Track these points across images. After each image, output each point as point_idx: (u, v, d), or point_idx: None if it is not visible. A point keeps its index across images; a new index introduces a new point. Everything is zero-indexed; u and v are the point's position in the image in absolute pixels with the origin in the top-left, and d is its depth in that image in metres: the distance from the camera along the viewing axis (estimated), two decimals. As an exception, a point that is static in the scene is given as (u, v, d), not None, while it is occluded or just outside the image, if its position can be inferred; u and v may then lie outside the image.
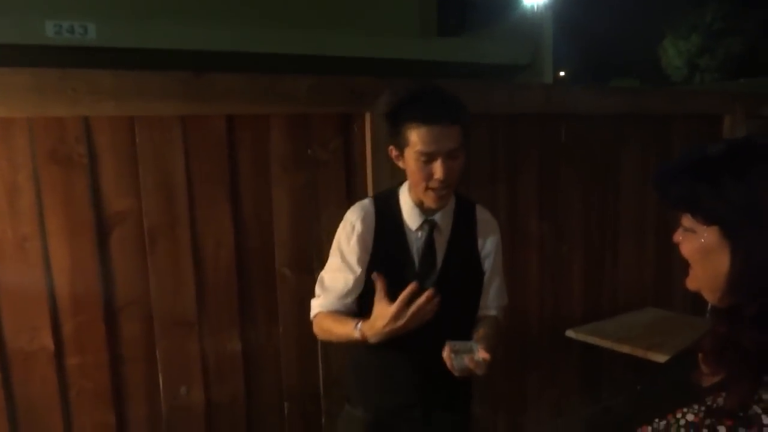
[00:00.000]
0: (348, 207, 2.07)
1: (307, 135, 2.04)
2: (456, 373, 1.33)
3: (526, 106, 2.49)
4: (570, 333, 2.63)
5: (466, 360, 1.31)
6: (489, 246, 1.57)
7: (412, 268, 1.48)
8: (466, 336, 1.46)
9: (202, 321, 1.94)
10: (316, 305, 1.56)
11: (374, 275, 1.37)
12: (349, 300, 1.53)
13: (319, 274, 1.97)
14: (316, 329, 1.57)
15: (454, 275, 1.51)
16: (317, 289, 1.58)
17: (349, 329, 1.43)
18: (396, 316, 1.31)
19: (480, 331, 1.49)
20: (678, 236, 0.85)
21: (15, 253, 1.67)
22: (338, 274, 1.52)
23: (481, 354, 1.32)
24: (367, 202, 1.54)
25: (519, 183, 2.58)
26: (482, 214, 1.59)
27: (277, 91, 1.91)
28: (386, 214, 1.50)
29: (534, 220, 2.65)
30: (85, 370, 1.79)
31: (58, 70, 1.60)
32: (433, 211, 1.48)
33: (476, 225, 1.57)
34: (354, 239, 1.49)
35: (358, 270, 1.50)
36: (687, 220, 0.82)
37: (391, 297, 1.39)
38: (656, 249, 3.05)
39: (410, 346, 1.45)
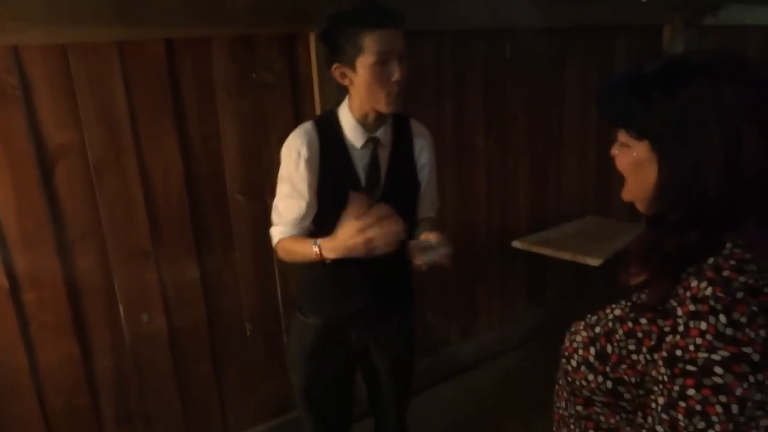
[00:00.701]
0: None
1: (250, 58, 1.99)
2: (424, 268, 1.42)
3: (472, 21, 2.47)
4: (516, 243, 2.76)
5: (434, 255, 1.41)
6: (425, 157, 1.63)
7: (358, 186, 1.52)
8: (408, 240, 1.51)
9: (158, 250, 1.95)
10: (277, 233, 1.59)
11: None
12: (306, 223, 1.56)
13: (271, 199, 2.00)
14: (280, 254, 1.61)
15: (396, 188, 1.57)
16: (274, 218, 1.60)
17: (308, 247, 1.47)
18: (360, 230, 1.34)
19: (429, 232, 1.52)
20: (614, 150, 0.90)
21: (-45, 191, 1.62)
22: (291, 201, 1.54)
23: (445, 248, 1.42)
24: (309, 126, 1.53)
25: (465, 99, 2.61)
26: (417, 127, 1.64)
27: (216, 11, 1.84)
28: (329, 136, 1.52)
29: (480, 136, 2.70)
30: (43, 305, 1.80)
31: (-23, -5, 1.50)
32: (375, 128, 1.52)
33: (413, 138, 1.62)
34: (302, 165, 1.49)
35: (308, 195, 1.52)
36: (622, 135, 0.87)
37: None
38: (597, 161, 3.18)
39: (358, 259, 1.48)
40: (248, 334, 2.22)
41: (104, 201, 1.83)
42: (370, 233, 1.34)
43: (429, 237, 1.45)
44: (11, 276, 1.73)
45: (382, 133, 1.53)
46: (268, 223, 1.63)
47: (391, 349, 1.72)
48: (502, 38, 2.66)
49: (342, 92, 2.11)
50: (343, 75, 1.47)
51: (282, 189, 1.56)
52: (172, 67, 1.86)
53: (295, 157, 1.50)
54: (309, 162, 1.49)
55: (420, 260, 1.42)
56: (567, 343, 0.90)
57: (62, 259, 1.80)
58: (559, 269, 3.03)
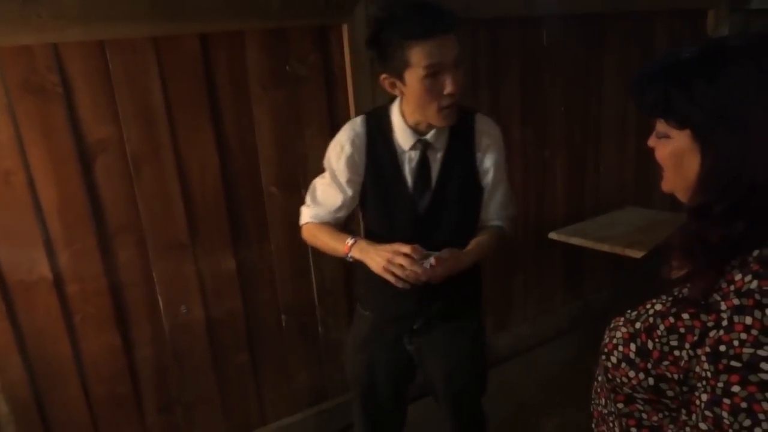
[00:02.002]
0: (330, 122, 2.12)
1: (284, 50, 2.00)
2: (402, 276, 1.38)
3: (506, 8, 2.42)
4: (553, 235, 2.72)
5: (416, 267, 1.36)
6: (488, 160, 1.50)
7: (405, 188, 1.48)
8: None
9: (195, 243, 1.99)
10: (307, 215, 1.59)
11: (413, 247, 1.37)
12: (340, 215, 1.56)
13: (306, 191, 2.00)
14: (305, 234, 1.61)
15: (450, 192, 1.48)
16: (308, 198, 1.60)
17: (340, 240, 1.48)
18: (389, 261, 1.35)
19: (474, 239, 1.51)
20: (652, 141, 0.86)
21: (0, 187, 1.67)
22: (329, 189, 1.54)
23: (432, 260, 1.36)
24: (358, 122, 1.50)
25: (501, 89, 2.57)
26: (482, 125, 1.50)
27: (249, 5, 1.85)
28: (377, 134, 1.47)
29: (517, 126, 2.65)
30: (86, 297, 1.85)
31: (19, -4, 1.53)
32: (427, 131, 1.44)
33: (474, 138, 1.49)
34: (342, 161, 1.48)
35: (348, 191, 1.51)
36: (661, 125, 0.83)
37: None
38: (637, 149, 3.09)
39: None
40: (284, 325, 2.24)
41: (142, 195, 1.86)
42: (394, 269, 1.35)
43: (432, 253, 1.39)
44: (55, 269, 1.79)
45: (434, 135, 1.44)
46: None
47: (445, 358, 1.63)
48: (538, 26, 2.60)
49: (376, 83, 2.12)
50: (393, 85, 1.40)
51: (324, 175, 1.56)
52: (206, 62, 1.88)
53: (338, 151, 1.49)
54: (351, 159, 1.48)
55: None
56: (606, 340, 0.88)
57: (103, 253, 1.85)
58: (598, 261, 2.97)
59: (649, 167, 3.11)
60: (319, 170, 2.11)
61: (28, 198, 1.71)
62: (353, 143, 1.47)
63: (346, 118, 2.12)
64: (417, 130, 1.44)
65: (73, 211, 1.78)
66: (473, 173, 1.51)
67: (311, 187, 1.61)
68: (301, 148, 2.10)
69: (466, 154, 1.49)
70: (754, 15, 3.16)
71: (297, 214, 1.66)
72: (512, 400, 2.63)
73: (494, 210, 1.57)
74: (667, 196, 0.91)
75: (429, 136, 1.44)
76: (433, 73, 1.30)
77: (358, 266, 1.51)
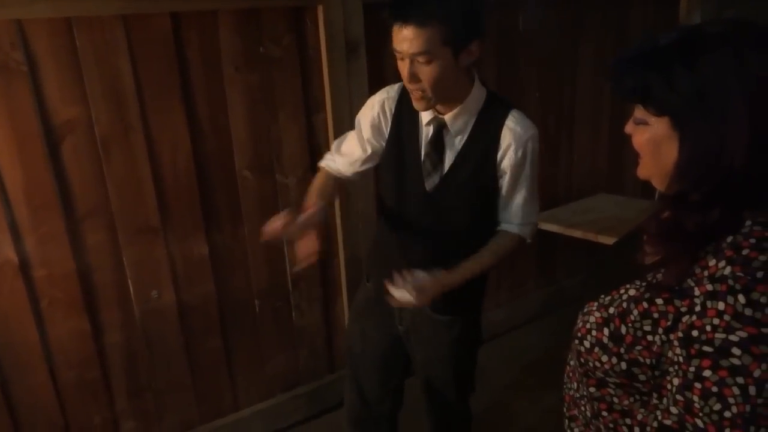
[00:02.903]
0: (305, 105, 2.11)
1: (258, 31, 1.96)
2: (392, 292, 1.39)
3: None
4: (527, 220, 2.73)
5: (400, 293, 1.37)
6: (507, 161, 1.42)
7: (417, 162, 1.48)
8: (472, 242, 1.50)
9: (167, 226, 1.95)
10: (328, 158, 1.65)
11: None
12: (354, 169, 1.61)
13: (280, 176, 1.98)
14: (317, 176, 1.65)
15: (460, 178, 1.44)
16: (334, 145, 1.65)
17: (310, 200, 1.51)
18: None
19: (480, 251, 1.49)
20: (629, 128, 0.86)
21: (-38, 168, 1.61)
22: (353, 141, 1.59)
23: (412, 292, 1.36)
24: (396, 87, 1.52)
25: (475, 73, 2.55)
26: (512, 122, 1.41)
27: (222, -16, 1.81)
28: (407, 103, 1.46)
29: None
30: (53, 281, 1.81)
31: (-21, -33, 1.47)
32: (446, 109, 1.42)
33: (500, 133, 1.41)
34: (368, 119, 1.53)
35: (368, 149, 1.56)
36: (639, 112, 0.83)
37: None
38: (610, 136, 3.12)
39: (408, 237, 1.55)
40: (257, 310, 2.22)
41: (112, 178, 1.82)
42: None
43: (418, 276, 1.39)
44: (21, 253, 1.74)
45: (453, 117, 1.41)
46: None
47: (426, 344, 1.63)
48: (514, 9, 2.60)
49: (352, 66, 2.11)
50: None
51: (355, 129, 1.60)
52: (178, 42, 1.83)
53: (368, 109, 1.55)
54: (376, 120, 1.52)
55: (392, 292, 1.39)
56: (580, 324, 0.89)
57: (71, 236, 1.80)
58: (570, 247, 3.00)
59: (622, 154, 3.15)
60: (293, 154, 2.12)
61: (-9, 179, 1.66)
62: (382, 105, 1.51)
63: (321, 101, 2.13)
64: (436, 107, 1.43)
65: (40, 194, 1.73)
66: (489, 168, 1.44)
67: (342, 136, 1.64)
68: (275, 131, 2.07)
69: (487, 147, 1.42)
70: (726, 1, 3.20)
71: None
72: (484, 384, 2.64)
73: (513, 212, 1.50)
74: (638, 183, 0.92)
75: (447, 116, 1.42)
76: (399, 57, 1.33)
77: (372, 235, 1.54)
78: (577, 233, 2.53)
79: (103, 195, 1.82)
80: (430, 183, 1.47)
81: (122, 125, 1.79)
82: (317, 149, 2.15)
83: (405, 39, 1.26)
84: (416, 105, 1.39)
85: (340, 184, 1.66)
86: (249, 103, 2.00)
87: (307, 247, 1.36)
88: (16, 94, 1.63)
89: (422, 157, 1.47)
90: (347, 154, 1.60)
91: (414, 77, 1.31)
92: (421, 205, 1.50)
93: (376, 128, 1.53)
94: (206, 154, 1.97)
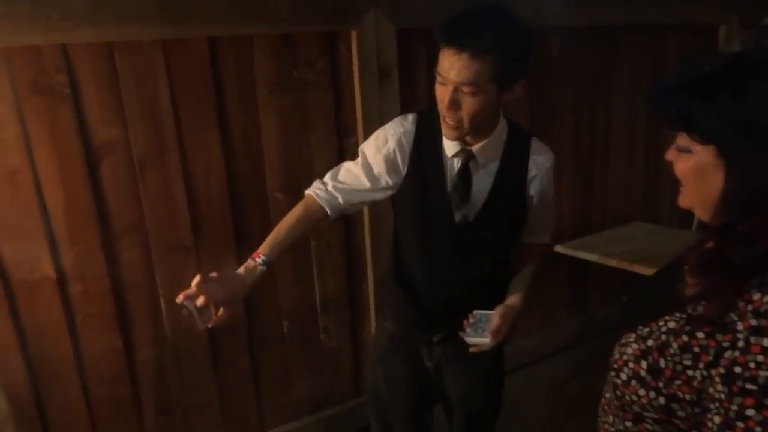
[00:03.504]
0: (337, 128, 2.12)
1: (292, 56, 1.99)
2: (467, 340, 1.35)
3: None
4: (559, 248, 2.69)
5: (476, 337, 1.34)
6: (536, 186, 1.45)
7: (444, 195, 1.42)
8: (496, 271, 1.50)
9: (199, 246, 1.97)
10: (316, 186, 1.48)
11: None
12: (357, 198, 1.46)
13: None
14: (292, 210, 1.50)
15: (493, 212, 1.43)
16: (327, 174, 1.49)
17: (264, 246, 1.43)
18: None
19: (518, 277, 1.51)
20: (671, 155, 0.83)
21: (6, 185, 1.67)
22: (357, 171, 1.46)
23: (488, 336, 1.33)
24: (410, 119, 1.44)
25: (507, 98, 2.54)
26: (536, 152, 1.44)
27: (257, 9, 1.84)
28: (427, 135, 1.41)
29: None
30: (88, 297, 1.84)
31: (29, -5, 1.53)
32: (473, 140, 1.37)
33: (528, 163, 1.43)
34: (382, 154, 1.43)
35: (378, 182, 1.44)
36: (682, 139, 0.80)
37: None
38: (645, 164, 3.07)
39: (435, 270, 1.49)
40: (285, 331, 2.22)
41: (147, 197, 1.85)
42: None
43: (489, 315, 1.37)
44: (58, 268, 1.78)
45: (481, 149, 1.38)
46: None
47: (463, 375, 1.59)
48: (547, 36, 2.59)
49: (384, 90, 2.12)
50: None
51: (357, 160, 1.48)
52: (214, 66, 1.87)
53: (380, 143, 1.44)
54: (391, 156, 1.42)
55: (465, 333, 1.36)
56: (616, 355, 0.86)
57: (107, 253, 1.84)
58: (604, 276, 2.95)
59: (658, 182, 3.09)
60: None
61: (33, 197, 1.71)
62: (399, 141, 1.42)
63: (353, 125, 2.14)
64: (463, 139, 1.38)
65: (78, 212, 1.77)
66: (520, 198, 1.46)
67: (337, 166, 1.50)
68: (307, 154, 2.09)
69: (517, 177, 1.44)
70: (765, 31, 3.15)
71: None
72: (513, 415, 2.58)
73: (535, 230, 1.54)
74: (675, 211, 0.89)
75: (475, 147, 1.38)
76: (440, 82, 1.27)
77: (382, 273, 1.47)
78: (612, 262, 2.47)
79: (138, 213, 1.86)
80: (459, 215, 1.43)
81: (159, 146, 1.83)
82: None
83: (454, 66, 1.22)
84: (447, 133, 1.34)
85: (314, 222, 1.49)
86: (282, 126, 2.03)
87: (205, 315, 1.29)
88: (59, 115, 1.69)
89: (449, 189, 1.42)
90: (350, 183, 1.46)
91: (454, 105, 1.26)
92: (449, 237, 1.45)
93: (390, 163, 1.43)
94: (239, 175, 2.00)
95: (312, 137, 2.09)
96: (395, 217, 1.56)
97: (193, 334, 2.03)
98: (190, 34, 1.80)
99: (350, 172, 1.47)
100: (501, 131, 1.41)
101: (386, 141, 1.43)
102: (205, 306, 1.27)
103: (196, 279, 1.25)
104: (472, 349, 1.37)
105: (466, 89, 1.23)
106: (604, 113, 2.89)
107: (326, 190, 1.46)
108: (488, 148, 1.40)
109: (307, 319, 2.25)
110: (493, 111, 1.34)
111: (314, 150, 2.10)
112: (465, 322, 1.37)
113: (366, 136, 2.10)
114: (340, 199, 1.45)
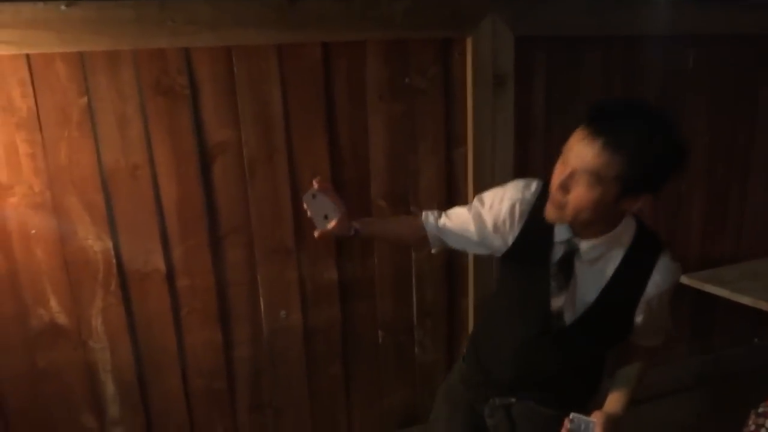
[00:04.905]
0: (446, 138, 2.07)
1: (404, 62, 1.95)
2: None
3: (647, 26, 2.21)
4: (684, 279, 2.44)
5: None
6: (651, 305, 1.28)
7: (542, 281, 1.31)
8: (589, 364, 1.42)
9: (300, 249, 1.99)
10: (429, 212, 1.49)
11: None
12: (458, 243, 1.44)
13: (415, 207, 1.94)
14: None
15: (596, 314, 1.29)
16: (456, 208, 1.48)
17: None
18: None
19: (616, 392, 1.37)
20: None
21: (128, 180, 1.77)
22: (466, 218, 1.42)
23: None
24: (533, 188, 1.34)
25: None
26: (661, 274, 1.26)
27: (372, 15, 1.82)
28: (541, 210, 1.27)
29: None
30: (194, 292, 1.91)
31: (157, 1, 1.61)
32: (583, 233, 1.25)
33: (647, 282, 1.26)
34: (493, 214, 1.36)
35: (483, 236, 1.38)
36: None
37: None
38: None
39: (521, 346, 1.38)
40: (380, 341, 2.18)
41: (255, 198, 1.89)
42: None
43: (589, 423, 1.23)
44: (168, 262, 1.86)
45: (589, 246, 1.25)
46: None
47: None
48: (683, 46, 2.36)
49: (498, 100, 2.03)
50: None
51: (473, 204, 1.43)
52: (326, 70, 1.87)
53: (495, 202, 1.37)
54: (501, 219, 1.35)
55: None
56: (752, 426, 0.72)
57: (213, 251, 1.90)
58: (734, 313, 2.64)
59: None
60: (429, 187, 2.07)
61: (150, 193, 1.79)
62: (513, 206, 1.33)
63: (463, 136, 2.07)
64: (574, 228, 1.26)
65: (190, 209, 1.84)
66: (629, 310, 1.30)
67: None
68: (413, 163, 2.04)
69: (631, 291, 1.28)
70: None
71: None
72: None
73: (646, 333, 1.35)
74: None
75: (583, 243, 1.26)
76: (562, 160, 1.17)
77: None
78: (746, 300, 2.20)
79: (245, 214, 1.90)
80: (556, 303, 1.30)
81: (268, 149, 1.87)
82: (455, 184, 2.09)
83: (582, 151, 1.11)
84: (548, 212, 1.22)
85: (411, 234, 1.50)
86: (390, 133, 2.00)
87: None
88: (178, 115, 1.76)
89: (550, 274, 1.30)
90: (459, 224, 1.42)
91: (564, 189, 1.15)
92: (541, 323, 1.33)
93: (499, 224, 1.35)
94: (344, 181, 1.99)
95: (419, 146, 2.03)
96: (499, 271, 1.49)
97: (289, 336, 2.05)
98: (305, 39, 1.81)
99: (460, 217, 1.43)
100: (622, 234, 1.26)
101: (501, 200, 1.36)
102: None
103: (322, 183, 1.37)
104: None
105: (583, 177, 1.12)
106: (745, 133, 2.59)
107: (437, 219, 1.46)
108: (598, 249, 1.26)
109: (403, 332, 2.20)
110: (606, 212, 1.18)
111: (421, 159, 2.05)
112: (563, 429, 1.24)
113: (476, 147, 2.05)
114: (440, 230, 1.45)
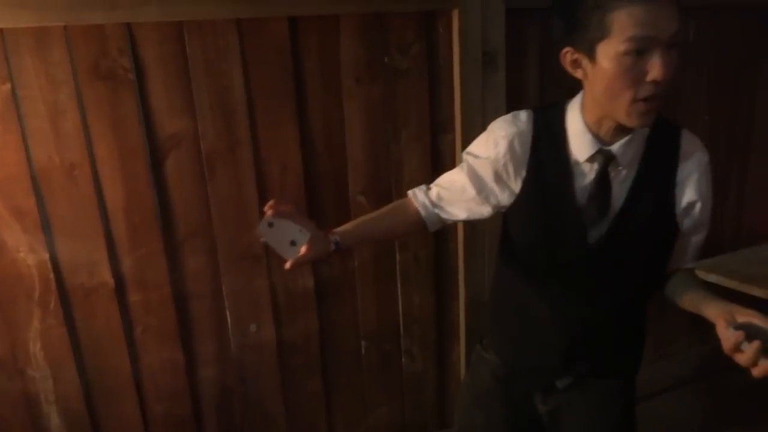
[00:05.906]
0: (431, 123, 1.85)
1: (383, 39, 1.74)
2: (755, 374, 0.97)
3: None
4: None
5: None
6: (691, 195, 1.15)
7: (573, 211, 1.15)
8: (635, 305, 1.26)
9: (270, 254, 1.76)
10: (419, 188, 1.32)
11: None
12: (448, 213, 1.28)
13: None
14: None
15: (635, 225, 1.14)
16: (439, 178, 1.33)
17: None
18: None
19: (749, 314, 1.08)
20: None
21: (64, 181, 1.52)
22: (461, 178, 1.25)
23: None
24: (523, 118, 1.17)
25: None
26: (689, 145, 1.15)
27: (346, -15, 1.60)
28: (546, 137, 1.15)
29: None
30: (149, 307, 1.68)
31: (89, -34, 1.36)
32: (612, 139, 1.11)
33: (678, 162, 1.14)
34: (490, 161, 1.18)
35: (473, 192, 1.22)
36: None
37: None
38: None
39: (562, 301, 1.21)
40: (363, 352, 1.99)
41: (216, 198, 1.67)
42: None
43: (752, 320, 1.01)
44: (117, 274, 1.62)
45: (622, 148, 1.10)
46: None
47: (591, 424, 1.30)
48: (684, 16, 2.19)
49: (488, 80, 1.83)
50: (576, 63, 1.07)
51: (463, 164, 1.26)
52: (294, 49, 1.65)
53: (489, 148, 1.18)
54: (502, 163, 1.17)
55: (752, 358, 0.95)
56: None
57: (169, 259, 1.67)
58: (734, 299, 2.48)
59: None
60: (415, 180, 1.85)
61: (92, 195, 1.55)
62: (511, 145, 1.15)
63: (450, 120, 1.86)
64: (598, 137, 1.11)
65: (140, 212, 1.60)
66: (669, 206, 1.16)
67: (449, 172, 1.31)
68: (395, 152, 1.84)
69: (664, 180, 1.15)
70: None
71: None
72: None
73: (691, 251, 1.24)
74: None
75: (615, 147, 1.10)
76: (637, 50, 0.96)
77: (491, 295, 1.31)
78: (756, 291, 2.05)
79: (205, 216, 1.68)
80: (595, 234, 1.14)
81: (229, 140, 1.64)
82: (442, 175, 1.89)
83: (665, 17, 0.95)
84: (640, 120, 1.03)
85: (404, 223, 1.32)
86: (368, 120, 1.78)
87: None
88: (122, 103, 1.52)
89: (583, 203, 1.13)
90: (455, 190, 1.26)
91: (668, 71, 0.97)
92: (581, 262, 1.16)
93: (499, 174, 1.18)
94: (318, 175, 1.78)
95: (402, 133, 1.83)
96: (505, 236, 1.29)
97: (261, 352, 1.84)
98: (269, 12, 1.58)
99: (454, 182, 1.25)
100: None
101: (496, 144, 1.16)
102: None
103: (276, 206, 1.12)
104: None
105: (675, 41, 0.98)
106: (747, 111, 2.45)
107: (426, 192, 1.30)
108: (631, 145, 1.10)
109: (388, 340, 2.01)
110: None
111: (404, 148, 1.84)
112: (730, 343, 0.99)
113: (465, 133, 1.84)
114: (441, 205, 1.28)
